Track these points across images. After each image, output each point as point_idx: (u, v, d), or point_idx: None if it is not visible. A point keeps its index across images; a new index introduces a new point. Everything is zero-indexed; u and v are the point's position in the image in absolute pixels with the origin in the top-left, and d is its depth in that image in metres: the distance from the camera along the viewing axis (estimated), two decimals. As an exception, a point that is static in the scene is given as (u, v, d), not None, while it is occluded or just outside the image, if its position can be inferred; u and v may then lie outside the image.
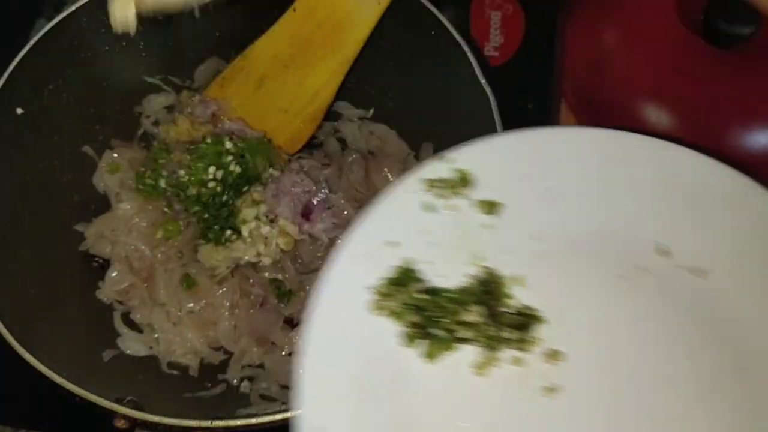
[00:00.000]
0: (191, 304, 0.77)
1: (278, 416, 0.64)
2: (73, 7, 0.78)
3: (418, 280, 0.64)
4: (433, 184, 0.66)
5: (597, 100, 0.94)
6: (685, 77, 0.88)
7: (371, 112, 0.90)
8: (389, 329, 0.63)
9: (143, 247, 0.79)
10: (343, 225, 0.81)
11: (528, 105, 0.91)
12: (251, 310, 0.78)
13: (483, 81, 0.78)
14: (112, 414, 0.65)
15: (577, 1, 0.99)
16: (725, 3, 0.83)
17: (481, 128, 0.76)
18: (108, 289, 0.78)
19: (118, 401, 0.65)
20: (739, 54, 0.86)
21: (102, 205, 0.83)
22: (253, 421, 0.65)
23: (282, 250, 0.80)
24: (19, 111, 0.76)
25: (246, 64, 0.84)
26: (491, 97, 0.77)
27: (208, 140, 0.80)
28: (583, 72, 0.95)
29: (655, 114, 0.89)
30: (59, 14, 0.79)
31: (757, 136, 0.87)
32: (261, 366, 0.77)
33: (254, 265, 0.80)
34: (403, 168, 0.85)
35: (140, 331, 0.78)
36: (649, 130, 0.88)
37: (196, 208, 0.78)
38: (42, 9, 1.02)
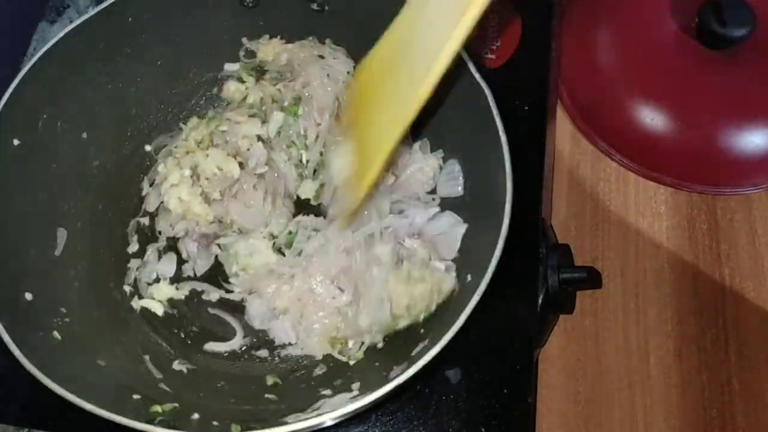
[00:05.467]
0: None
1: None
2: (62, 34, 0.78)
3: None
4: None
5: (592, 102, 0.94)
6: (680, 79, 0.88)
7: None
8: None
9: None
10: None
11: (524, 107, 0.91)
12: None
13: (476, 75, 0.77)
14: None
15: (573, 5, 0.98)
16: (719, 6, 0.82)
17: (479, 121, 0.76)
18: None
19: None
20: (733, 56, 0.86)
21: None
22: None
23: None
24: (16, 142, 0.77)
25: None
26: (486, 90, 0.76)
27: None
28: (579, 74, 0.95)
29: (650, 115, 0.89)
30: (45, 43, 0.79)
31: (750, 136, 0.87)
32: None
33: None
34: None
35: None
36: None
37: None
38: (44, 12, 1.03)
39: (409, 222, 0.82)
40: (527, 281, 0.82)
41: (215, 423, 0.70)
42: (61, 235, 0.81)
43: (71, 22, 0.81)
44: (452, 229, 0.82)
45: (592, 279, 0.84)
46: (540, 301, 0.83)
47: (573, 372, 0.89)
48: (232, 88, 0.92)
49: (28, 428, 0.80)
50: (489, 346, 0.81)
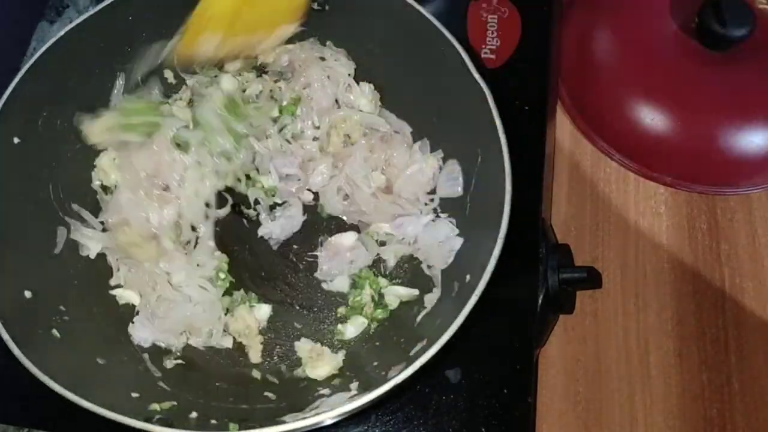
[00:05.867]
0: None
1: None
2: (62, 33, 0.78)
3: None
4: None
5: (592, 101, 0.94)
6: (680, 79, 0.88)
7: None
8: None
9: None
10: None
11: (524, 107, 0.91)
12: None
13: (476, 75, 0.77)
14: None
15: (573, 5, 0.98)
16: (719, 6, 0.82)
17: (479, 121, 0.76)
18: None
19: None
20: (733, 56, 0.86)
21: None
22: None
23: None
24: (16, 140, 0.77)
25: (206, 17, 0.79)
26: (486, 90, 0.76)
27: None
28: (578, 74, 0.95)
29: (650, 115, 0.89)
30: (45, 43, 0.79)
31: (750, 136, 0.87)
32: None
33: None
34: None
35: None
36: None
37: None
38: (44, 11, 1.03)
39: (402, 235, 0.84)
40: (527, 281, 0.82)
41: (213, 421, 0.70)
42: (61, 233, 0.81)
43: (71, 21, 0.81)
44: (448, 240, 0.82)
45: (592, 279, 0.84)
46: (540, 301, 0.82)
47: (573, 372, 0.88)
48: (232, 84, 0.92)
49: (28, 428, 0.79)
50: (489, 346, 0.81)
